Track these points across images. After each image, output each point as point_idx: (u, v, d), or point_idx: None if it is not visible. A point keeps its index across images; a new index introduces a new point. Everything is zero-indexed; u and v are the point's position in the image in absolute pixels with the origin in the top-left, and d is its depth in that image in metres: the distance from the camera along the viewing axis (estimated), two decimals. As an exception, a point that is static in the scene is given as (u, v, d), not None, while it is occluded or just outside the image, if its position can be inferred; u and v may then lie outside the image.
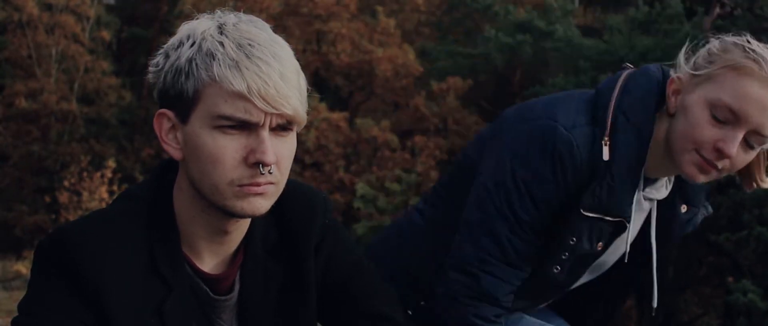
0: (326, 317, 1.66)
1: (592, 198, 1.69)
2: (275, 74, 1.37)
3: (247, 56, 1.36)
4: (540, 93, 20.51)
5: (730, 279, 15.29)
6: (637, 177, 1.74)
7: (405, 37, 23.83)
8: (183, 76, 1.38)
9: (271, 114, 1.37)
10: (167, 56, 1.41)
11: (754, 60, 1.63)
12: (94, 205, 19.49)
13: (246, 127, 1.38)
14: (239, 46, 1.37)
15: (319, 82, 22.02)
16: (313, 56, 21.97)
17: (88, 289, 1.39)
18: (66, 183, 20.60)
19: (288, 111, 1.38)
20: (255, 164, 1.39)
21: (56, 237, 1.42)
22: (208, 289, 1.52)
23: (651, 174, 1.78)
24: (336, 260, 1.65)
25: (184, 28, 1.43)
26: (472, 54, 22.48)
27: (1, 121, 24.77)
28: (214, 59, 1.36)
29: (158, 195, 1.50)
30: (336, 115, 21.08)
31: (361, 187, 19.69)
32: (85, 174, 20.57)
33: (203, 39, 1.38)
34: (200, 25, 1.41)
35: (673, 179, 1.85)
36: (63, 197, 20.38)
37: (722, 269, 19.08)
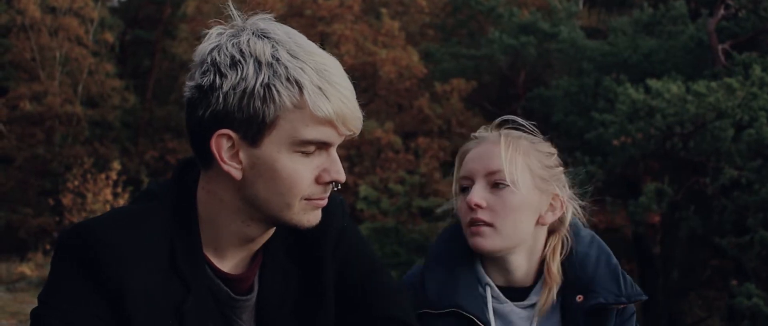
0: (340, 319, 1.66)
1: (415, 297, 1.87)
2: (351, 96, 1.44)
3: (328, 82, 1.41)
4: (544, 95, 20.51)
5: (734, 282, 15.24)
6: (456, 267, 1.91)
7: (409, 38, 23.83)
8: (258, 101, 1.39)
9: (345, 135, 1.45)
10: (222, 75, 1.40)
11: (474, 139, 1.97)
12: (98, 207, 19.50)
13: (321, 147, 1.44)
14: (318, 71, 1.40)
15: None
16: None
17: (109, 286, 1.39)
18: (70, 185, 20.61)
19: (358, 130, 1.46)
20: (327, 182, 1.46)
21: (79, 232, 1.42)
22: (228, 290, 1.53)
23: (506, 281, 1.92)
24: (351, 262, 1.66)
25: (229, 43, 1.42)
26: (475, 56, 22.46)
27: (5, 123, 24.82)
28: (301, 87, 1.39)
29: (180, 196, 1.51)
30: (340, 117, 21.06)
31: (364, 189, 19.68)
32: (89, 176, 20.58)
33: (277, 62, 1.39)
34: (255, 44, 1.41)
35: (553, 281, 1.92)
36: (67, 199, 20.39)
37: (726, 272, 19.04)
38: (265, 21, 1.47)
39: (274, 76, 1.39)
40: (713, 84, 15.25)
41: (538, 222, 1.90)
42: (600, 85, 18.21)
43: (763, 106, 14.94)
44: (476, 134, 1.97)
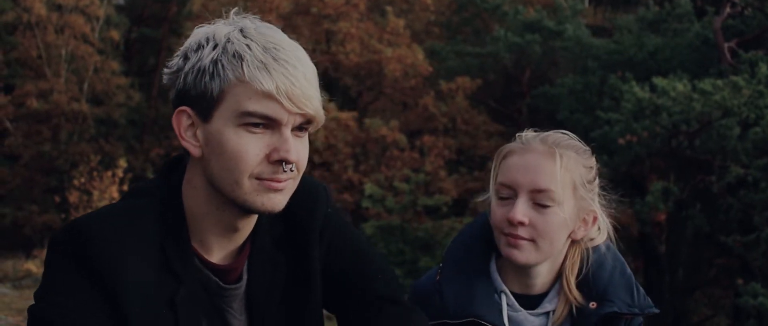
0: (331, 303, 1.69)
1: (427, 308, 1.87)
2: (300, 76, 1.44)
3: (274, 59, 1.43)
4: (549, 93, 20.49)
5: (740, 281, 15.21)
6: (473, 275, 1.89)
7: (414, 37, 23.80)
8: (207, 76, 1.44)
9: (295, 113, 1.45)
10: (186, 58, 1.48)
11: (515, 141, 1.89)
12: (104, 205, 19.53)
13: (270, 125, 1.45)
14: (265, 48, 1.44)
15: (328, 82, 22.00)
16: (322, 56, 21.97)
17: (104, 281, 1.41)
18: (76, 182, 20.66)
19: (310, 111, 1.46)
20: (278, 162, 1.46)
21: (72, 229, 1.45)
22: (218, 280, 1.56)
23: (523, 288, 1.91)
24: (337, 247, 1.69)
25: (201, 32, 1.49)
26: (481, 54, 22.43)
27: (12, 121, 24.88)
28: (242, 60, 1.43)
29: (168, 192, 1.54)
30: (345, 115, 21.10)
31: (369, 187, 19.69)
32: (95, 173, 20.63)
33: (228, 41, 1.45)
34: (220, 29, 1.47)
35: (570, 291, 1.92)
36: (73, 197, 20.45)
37: (732, 270, 19.02)
38: (246, 16, 1.51)
39: (222, 53, 1.44)
40: (719, 82, 15.21)
41: (568, 237, 1.90)
42: (605, 84, 18.18)
43: (769, 104, 14.90)
44: (523, 137, 1.90)
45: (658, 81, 15.58)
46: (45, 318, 1.40)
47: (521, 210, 1.80)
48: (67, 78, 25.14)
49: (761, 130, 14.70)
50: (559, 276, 1.92)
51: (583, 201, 1.87)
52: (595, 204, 1.90)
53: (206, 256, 1.55)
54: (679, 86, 15.19)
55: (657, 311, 1.91)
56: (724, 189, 15.52)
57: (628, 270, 1.93)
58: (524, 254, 1.83)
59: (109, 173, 20.45)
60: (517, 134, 1.92)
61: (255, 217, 1.57)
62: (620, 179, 18.33)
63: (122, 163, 20.71)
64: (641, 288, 1.91)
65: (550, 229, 1.82)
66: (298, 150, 1.48)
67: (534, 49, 20.60)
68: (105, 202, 19.59)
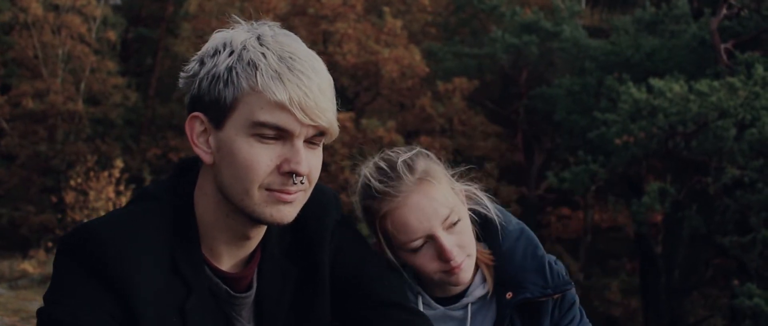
0: (336, 308, 1.68)
1: None
2: (315, 87, 1.42)
3: (288, 69, 1.41)
4: (546, 93, 20.50)
5: (736, 282, 15.23)
6: None
7: (411, 37, 23.78)
8: (221, 83, 1.42)
9: (307, 125, 1.42)
10: (202, 63, 1.45)
11: (378, 198, 1.87)
12: (101, 205, 19.50)
13: (282, 136, 1.43)
14: (281, 58, 1.42)
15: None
16: (319, 57, 21.86)
17: (115, 286, 1.41)
18: (72, 182, 20.62)
19: (324, 123, 1.44)
20: (288, 173, 1.43)
21: (82, 233, 1.44)
22: (228, 288, 1.56)
23: (446, 291, 1.93)
24: (344, 252, 1.68)
25: (219, 37, 1.47)
26: (478, 54, 22.44)
27: (8, 121, 24.84)
28: (256, 69, 1.40)
29: (178, 197, 1.53)
30: (342, 115, 20.85)
31: (366, 188, 19.67)
32: (92, 174, 20.59)
33: (244, 49, 1.42)
34: (237, 35, 1.45)
35: (489, 277, 1.93)
36: (69, 197, 20.40)
37: (728, 271, 19.04)
38: (266, 23, 1.50)
39: (237, 60, 1.42)
40: (715, 83, 15.23)
41: None
42: (602, 84, 18.19)
43: (765, 105, 14.91)
44: (388, 189, 1.86)
45: (655, 82, 15.59)
46: (56, 319, 1.39)
47: (450, 243, 1.81)
48: (64, 78, 25.10)
49: (757, 131, 14.72)
50: (477, 267, 1.93)
51: (460, 194, 1.89)
52: (457, 186, 1.92)
53: (216, 264, 1.54)
54: (676, 87, 15.21)
55: (571, 285, 1.90)
56: (720, 190, 15.55)
57: (541, 251, 1.92)
58: (467, 271, 1.84)
59: (106, 173, 20.39)
60: (371, 188, 1.92)
61: (265, 226, 1.56)
62: (617, 180, 18.36)
63: (119, 163, 20.66)
64: (555, 267, 1.90)
65: (469, 239, 1.85)
66: (310, 162, 1.46)
67: (531, 50, 20.61)
68: (101, 203, 19.56)
